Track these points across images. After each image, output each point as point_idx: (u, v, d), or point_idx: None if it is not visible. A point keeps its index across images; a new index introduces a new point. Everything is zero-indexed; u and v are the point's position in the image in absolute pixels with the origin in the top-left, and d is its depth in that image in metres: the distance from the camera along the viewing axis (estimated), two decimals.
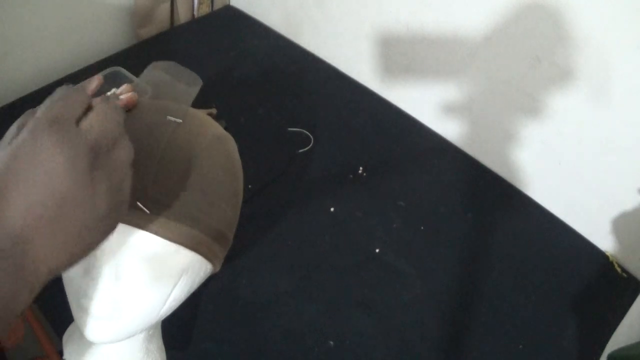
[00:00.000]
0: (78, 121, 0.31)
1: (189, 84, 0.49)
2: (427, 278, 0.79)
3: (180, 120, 0.44)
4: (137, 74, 0.97)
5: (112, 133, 0.32)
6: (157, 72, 0.49)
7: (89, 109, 0.32)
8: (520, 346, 0.72)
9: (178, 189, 0.42)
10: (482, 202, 0.91)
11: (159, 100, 0.47)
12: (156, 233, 0.41)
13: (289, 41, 1.19)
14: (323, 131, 0.98)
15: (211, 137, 0.46)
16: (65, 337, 0.57)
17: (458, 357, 0.71)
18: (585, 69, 0.74)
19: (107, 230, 0.32)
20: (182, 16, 1.20)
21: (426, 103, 1.00)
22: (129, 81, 0.94)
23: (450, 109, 0.97)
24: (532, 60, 0.79)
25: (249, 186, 0.84)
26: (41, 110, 0.31)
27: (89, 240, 0.31)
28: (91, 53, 1.08)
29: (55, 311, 0.65)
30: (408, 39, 0.94)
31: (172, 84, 0.48)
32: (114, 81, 0.91)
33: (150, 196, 0.40)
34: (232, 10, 1.28)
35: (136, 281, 0.42)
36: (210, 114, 0.54)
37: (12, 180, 0.28)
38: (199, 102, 0.49)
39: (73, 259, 0.30)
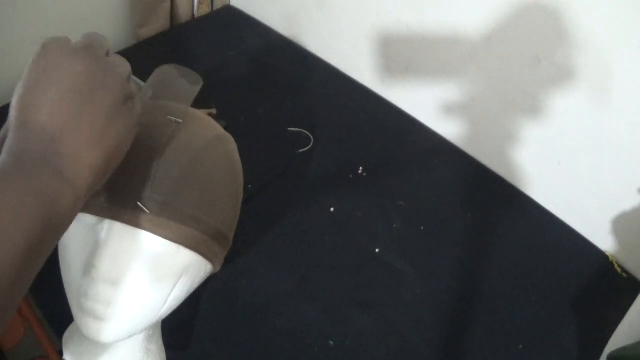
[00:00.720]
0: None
1: (191, 84, 0.49)
2: (427, 278, 0.79)
3: (181, 120, 0.44)
4: (137, 74, 0.96)
5: (128, 69, 0.36)
6: (159, 74, 0.49)
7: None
8: (520, 346, 0.72)
9: (178, 189, 0.42)
10: (482, 202, 0.91)
11: (159, 100, 0.47)
12: (156, 233, 0.41)
13: (289, 41, 1.19)
14: (323, 131, 0.98)
15: (211, 137, 0.46)
16: (65, 337, 0.57)
17: (458, 357, 0.71)
18: (585, 69, 0.74)
19: (128, 122, 0.34)
20: (182, 16, 1.20)
21: (426, 103, 1.00)
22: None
23: (450, 109, 0.97)
24: (532, 60, 0.79)
25: (249, 186, 0.84)
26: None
27: (114, 132, 0.32)
28: None
29: (55, 311, 0.65)
30: (408, 39, 0.94)
31: (173, 83, 0.48)
32: None
33: (150, 196, 0.40)
34: (232, 10, 1.28)
35: (136, 281, 0.42)
36: (210, 114, 0.54)
37: (37, 88, 0.31)
38: (199, 102, 0.49)
39: (107, 155, 0.32)
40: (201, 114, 0.50)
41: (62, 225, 0.30)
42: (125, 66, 0.36)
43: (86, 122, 0.31)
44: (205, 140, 0.45)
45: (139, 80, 0.48)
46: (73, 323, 0.57)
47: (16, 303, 0.27)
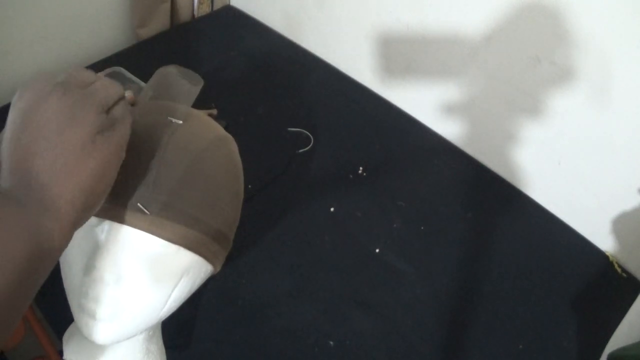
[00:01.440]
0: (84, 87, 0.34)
1: (191, 84, 0.49)
2: (427, 278, 0.79)
3: (181, 121, 0.44)
4: (137, 74, 0.97)
5: (113, 95, 0.35)
6: (160, 75, 0.49)
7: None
8: (520, 346, 0.72)
9: (179, 190, 0.42)
10: (482, 202, 0.91)
11: (160, 101, 0.47)
12: (157, 234, 0.41)
13: (289, 41, 1.19)
14: (323, 131, 0.98)
15: (212, 138, 0.46)
16: (65, 337, 0.56)
17: (458, 357, 0.71)
18: (585, 69, 0.74)
19: (105, 153, 0.34)
20: (182, 16, 1.20)
21: (426, 103, 1.00)
22: (130, 81, 0.94)
23: (450, 109, 0.97)
24: (532, 60, 0.79)
25: (249, 186, 0.84)
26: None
27: (90, 166, 0.33)
28: (91, 53, 1.08)
29: (55, 311, 0.65)
30: (408, 39, 0.94)
31: (174, 84, 0.48)
32: None
33: (151, 197, 0.40)
34: (232, 10, 1.28)
35: (137, 282, 0.42)
36: (210, 115, 0.54)
37: (15, 130, 0.32)
38: (199, 102, 0.49)
39: (85, 188, 0.32)
40: (202, 114, 0.50)
41: (50, 257, 0.31)
42: (108, 92, 0.35)
43: (59, 159, 0.32)
44: (206, 141, 0.45)
45: (139, 81, 0.48)
46: (73, 323, 0.57)
47: (7, 332, 0.29)
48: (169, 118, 0.44)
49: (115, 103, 0.36)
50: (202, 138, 0.45)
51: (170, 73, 0.48)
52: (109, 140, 0.34)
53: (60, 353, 0.56)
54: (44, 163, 0.31)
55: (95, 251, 0.41)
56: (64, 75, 0.34)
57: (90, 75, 0.35)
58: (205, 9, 1.24)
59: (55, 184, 0.31)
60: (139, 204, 0.40)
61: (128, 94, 0.43)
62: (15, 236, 0.29)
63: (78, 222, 0.33)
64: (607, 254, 0.86)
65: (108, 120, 0.34)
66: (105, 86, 0.35)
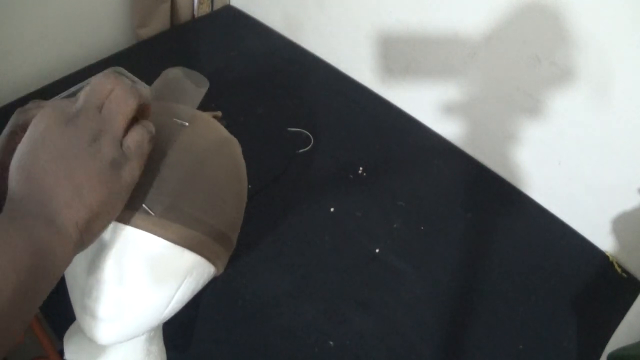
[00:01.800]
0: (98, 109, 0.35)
1: (197, 86, 0.49)
2: (427, 278, 0.79)
3: (187, 123, 0.44)
4: (137, 74, 0.97)
5: (130, 112, 0.36)
6: (166, 76, 0.49)
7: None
8: (520, 346, 0.73)
9: (183, 192, 0.42)
10: (482, 202, 0.91)
11: (165, 102, 0.47)
12: (160, 235, 0.41)
13: (289, 41, 1.19)
14: (323, 131, 0.98)
15: (217, 139, 0.46)
16: (66, 337, 0.57)
17: (458, 357, 0.71)
18: (585, 69, 0.74)
19: (114, 188, 0.35)
20: (182, 16, 1.20)
21: (426, 103, 1.00)
22: (130, 81, 0.94)
23: (450, 109, 0.97)
24: (532, 60, 0.79)
25: (249, 186, 0.84)
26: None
27: (97, 194, 0.34)
28: (91, 53, 1.08)
29: (55, 311, 0.65)
30: (408, 39, 0.94)
31: (180, 85, 0.48)
32: None
33: (154, 198, 0.40)
34: (232, 10, 1.27)
35: (140, 283, 0.42)
36: (215, 117, 0.54)
37: (30, 153, 0.33)
38: (200, 102, 0.49)
39: (90, 214, 0.34)
40: (207, 116, 0.50)
41: (50, 276, 0.32)
42: (126, 108, 0.36)
43: (73, 182, 0.33)
44: (211, 142, 0.45)
45: (139, 81, 0.48)
46: (74, 323, 0.57)
47: (7, 345, 0.30)
48: (175, 119, 0.44)
49: (133, 124, 0.37)
50: (206, 140, 0.45)
51: (176, 75, 0.48)
52: (118, 178, 0.35)
53: (61, 353, 0.56)
54: (58, 183, 0.33)
55: (98, 251, 0.41)
56: (81, 101, 0.35)
57: (107, 83, 0.36)
58: (205, 9, 1.24)
59: (65, 205, 0.32)
60: (143, 205, 0.40)
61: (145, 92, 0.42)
62: (20, 248, 0.30)
63: (78, 247, 0.34)
64: (607, 254, 0.86)
65: (124, 153, 0.36)
66: (124, 99, 0.36)
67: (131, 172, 0.36)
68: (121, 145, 0.36)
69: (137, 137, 0.36)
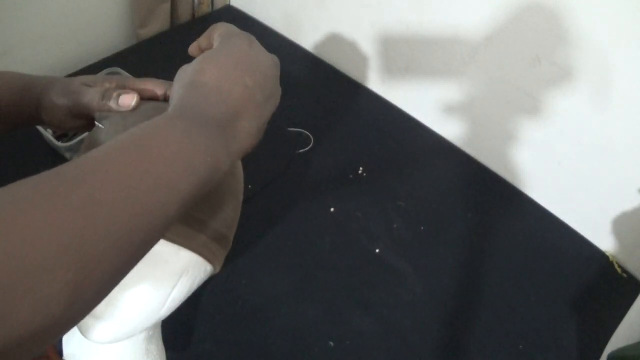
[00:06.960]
0: None
1: None
2: (427, 278, 0.79)
3: None
4: (137, 74, 0.96)
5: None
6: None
7: None
8: (520, 346, 0.72)
9: None
10: (482, 202, 0.91)
11: (163, 102, 0.47)
12: None
13: (289, 41, 1.19)
14: (323, 131, 0.98)
15: None
16: (65, 337, 0.56)
17: (458, 357, 0.71)
18: (585, 69, 0.74)
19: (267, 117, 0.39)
20: (182, 16, 1.20)
21: (426, 103, 1.00)
22: None
23: (450, 109, 0.97)
24: (532, 60, 0.79)
25: (249, 186, 0.84)
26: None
27: (259, 136, 0.37)
28: (91, 53, 1.08)
29: None
30: (408, 39, 0.94)
31: None
32: None
33: None
34: (232, 10, 1.28)
35: (136, 281, 0.42)
36: None
37: (230, 65, 0.36)
38: None
39: (248, 149, 0.36)
40: None
41: (207, 188, 0.31)
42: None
43: (254, 117, 0.35)
44: None
45: (131, 77, 0.48)
46: None
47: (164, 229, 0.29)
48: None
49: None
50: None
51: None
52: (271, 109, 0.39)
53: (60, 353, 0.56)
54: (243, 107, 0.34)
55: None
56: (274, 58, 0.42)
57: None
58: (205, 9, 1.25)
59: (240, 126, 0.34)
60: None
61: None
62: (201, 151, 0.30)
63: (233, 162, 0.35)
64: (607, 254, 0.86)
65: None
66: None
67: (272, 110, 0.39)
68: None
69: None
